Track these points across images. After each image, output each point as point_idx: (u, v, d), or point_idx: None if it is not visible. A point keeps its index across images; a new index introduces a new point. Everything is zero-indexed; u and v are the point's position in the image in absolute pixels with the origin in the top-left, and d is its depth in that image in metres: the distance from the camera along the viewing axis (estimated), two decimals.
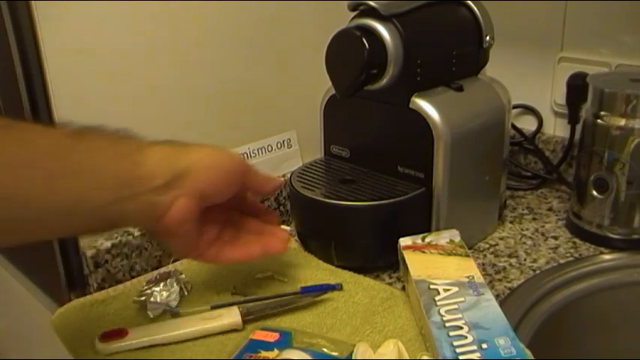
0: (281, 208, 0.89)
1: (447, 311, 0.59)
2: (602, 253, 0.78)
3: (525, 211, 0.90)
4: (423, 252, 0.68)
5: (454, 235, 0.71)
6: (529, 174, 0.98)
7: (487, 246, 0.81)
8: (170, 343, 0.62)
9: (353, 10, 0.72)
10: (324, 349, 0.59)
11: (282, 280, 0.72)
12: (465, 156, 0.74)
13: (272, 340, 0.60)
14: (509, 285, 0.72)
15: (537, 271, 0.74)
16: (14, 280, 0.86)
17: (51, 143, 0.52)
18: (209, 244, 0.63)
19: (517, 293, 0.70)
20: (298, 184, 0.77)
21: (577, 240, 0.81)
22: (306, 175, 0.80)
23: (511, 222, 0.86)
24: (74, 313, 0.69)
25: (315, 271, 0.74)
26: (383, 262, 0.75)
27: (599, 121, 0.77)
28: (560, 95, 0.93)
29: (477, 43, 0.78)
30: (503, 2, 0.93)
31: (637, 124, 0.74)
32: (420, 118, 0.71)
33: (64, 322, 0.68)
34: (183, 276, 0.72)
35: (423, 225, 0.74)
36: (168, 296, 0.68)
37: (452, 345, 0.54)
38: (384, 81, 0.71)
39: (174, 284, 0.70)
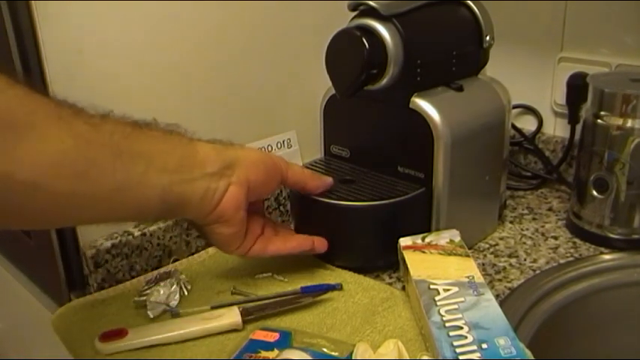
0: (281, 208, 0.89)
1: (447, 311, 0.59)
2: (602, 253, 0.78)
3: (525, 211, 0.90)
4: (423, 252, 0.68)
5: (454, 235, 0.71)
6: (529, 174, 0.98)
7: (487, 246, 0.81)
8: (170, 343, 0.62)
9: (353, 10, 0.72)
10: (324, 349, 0.59)
11: (282, 280, 0.72)
12: (465, 156, 0.74)
13: (272, 340, 0.61)
14: (509, 285, 0.72)
15: (537, 271, 0.74)
16: (14, 280, 0.86)
17: (114, 129, 0.55)
18: (254, 238, 0.67)
19: (517, 293, 0.70)
20: None
21: (577, 240, 0.81)
22: None
23: (511, 222, 0.86)
24: (74, 313, 0.69)
25: (315, 271, 0.74)
26: (383, 262, 0.75)
27: (599, 121, 0.77)
28: (560, 95, 0.93)
29: (477, 43, 0.78)
30: (503, 2, 0.93)
31: (637, 124, 0.74)
32: (420, 118, 0.71)
33: (64, 322, 0.68)
34: (183, 276, 0.72)
35: (423, 225, 0.74)
36: (168, 296, 0.68)
37: (452, 345, 0.54)
38: (384, 81, 0.71)
39: (174, 284, 0.70)
